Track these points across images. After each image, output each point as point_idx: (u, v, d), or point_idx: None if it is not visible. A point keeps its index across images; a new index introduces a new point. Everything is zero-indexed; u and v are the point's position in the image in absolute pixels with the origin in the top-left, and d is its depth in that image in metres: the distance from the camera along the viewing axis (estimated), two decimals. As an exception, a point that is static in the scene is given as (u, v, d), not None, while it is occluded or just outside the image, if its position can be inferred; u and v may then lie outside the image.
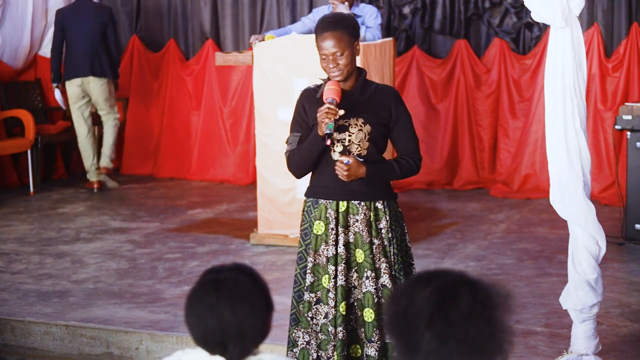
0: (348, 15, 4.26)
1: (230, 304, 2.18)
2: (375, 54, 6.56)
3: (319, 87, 3.92)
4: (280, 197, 6.52)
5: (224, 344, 2.20)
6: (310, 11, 8.20)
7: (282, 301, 4.63)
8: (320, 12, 6.91)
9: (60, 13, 8.77)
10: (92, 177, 8.89)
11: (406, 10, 8.88)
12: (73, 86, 8.70)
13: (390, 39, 7.01)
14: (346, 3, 6.79)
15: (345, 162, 3.78)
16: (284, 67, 6.45)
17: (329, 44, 3.80)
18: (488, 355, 1.88)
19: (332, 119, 3.71)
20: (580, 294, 4.27)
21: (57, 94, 8.82)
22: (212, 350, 2.22)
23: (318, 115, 3.74)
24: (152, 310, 5.38)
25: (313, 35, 3.93)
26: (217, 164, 9.34)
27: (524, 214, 7.69)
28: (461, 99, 8.73)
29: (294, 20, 8.75)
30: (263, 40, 6.63)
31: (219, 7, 9.45)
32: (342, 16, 4.00)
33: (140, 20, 9.84)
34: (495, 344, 1.88)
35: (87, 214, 7.97)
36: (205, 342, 2.22)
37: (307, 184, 3.99)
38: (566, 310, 4.39)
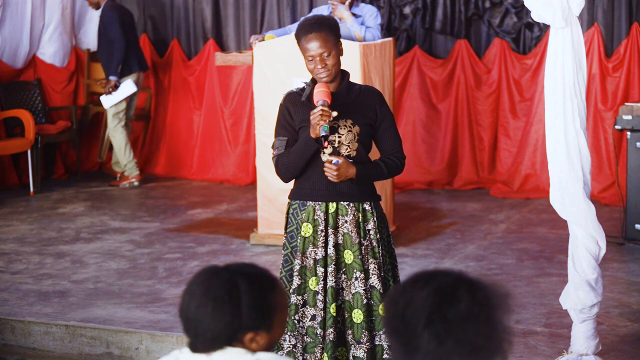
0: (329, 16, 4.25)
1: (200, 299, 2.21)
2: (375, 54, 6.55)
3: (302, 91, 3.92)
4: (280, 197, 6.50)
5: (188, 331, 2.25)
6: (310, 11, 8.20)
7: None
8: (320, 12, 6.90)
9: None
10: (134, 170, 9.09)
11: (407, 10, 8.88)
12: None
13: (390, 39, 6.99)
14: (346, 3, 6.78)
15: (334, 162, 3.77)
16: (284, 67, 6.44)
17: (315, 45, 3.80)
18: (487, 355, 1.87)
19: (327, 120, 3.71)
20: (580, 294, 4.27)
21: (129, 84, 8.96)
22: (184, 332, 2.27)
23: (312, 117, 3.73)
24: (152, 310, 5.37)
25: None
26: (217, 164, 9.34)
27: (524, 214, 7.68)
28: (462, 99, 8.72)
29: (294, 20, 8.75)
30: (263, 40, 6.63)
31: (221, 7, 9.45)
32: (324, 17, 3.99)
33: (142, 20, 9.83)
34: (494, 344, 1.88)
35: (87, 214, 7.97)
36: (180, 319, 2.28)
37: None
38: (566, 310, 4.39)
